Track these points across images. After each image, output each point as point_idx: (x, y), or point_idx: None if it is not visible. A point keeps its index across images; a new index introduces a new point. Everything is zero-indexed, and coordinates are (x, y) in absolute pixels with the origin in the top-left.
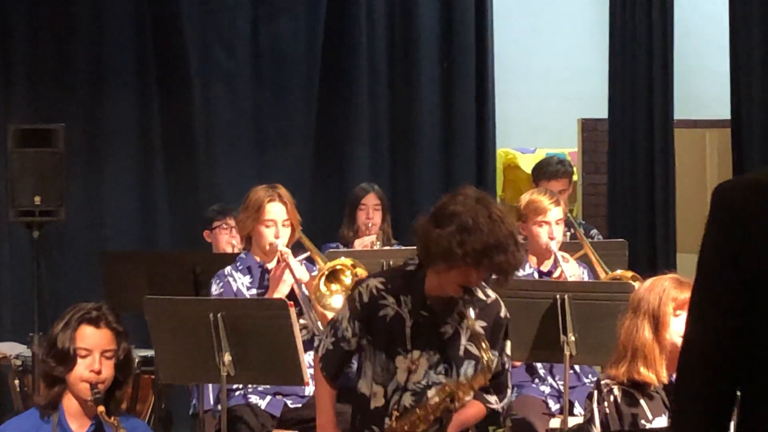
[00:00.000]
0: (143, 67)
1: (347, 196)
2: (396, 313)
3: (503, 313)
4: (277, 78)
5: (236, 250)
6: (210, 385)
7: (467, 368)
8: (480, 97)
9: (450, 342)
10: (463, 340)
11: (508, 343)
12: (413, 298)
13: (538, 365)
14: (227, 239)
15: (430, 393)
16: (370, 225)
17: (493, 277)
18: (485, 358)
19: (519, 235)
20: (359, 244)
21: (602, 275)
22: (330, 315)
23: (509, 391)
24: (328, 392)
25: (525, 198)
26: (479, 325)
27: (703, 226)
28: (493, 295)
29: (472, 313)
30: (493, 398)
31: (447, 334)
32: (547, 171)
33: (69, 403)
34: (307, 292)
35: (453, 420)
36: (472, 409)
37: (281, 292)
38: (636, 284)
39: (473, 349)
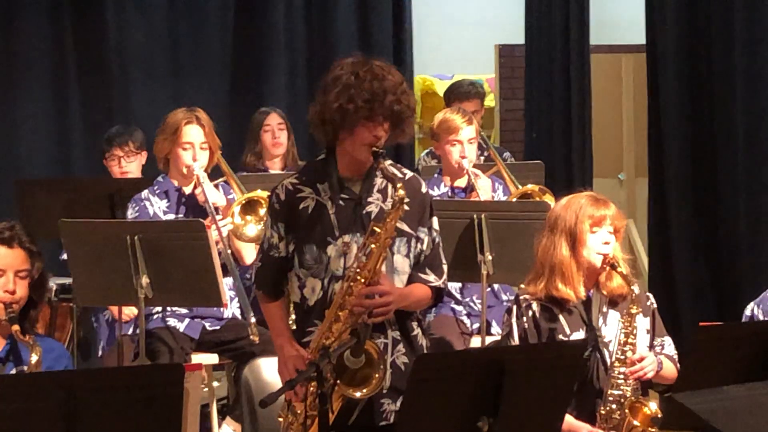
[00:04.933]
0: None
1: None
2: (316, 202)
3: (424, 188)
4: (193, 3)
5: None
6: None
7: (399, 245)
8: (397, 23)
9: (378, 220)
10: None
11: (435, 220)
12: (330, 184)
13: (455, 285)
14: (118, 170)
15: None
16: (279, 141)
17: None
18: (398, 195)
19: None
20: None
21: (513, 190)
22: (244, 246)
23: (445, 267)
24: (273, 309)
25: (438, 117)
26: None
27: (619, 150)
28: (409, 172)
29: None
30: (431, 276)
31: (372, 213)
32: (458, 92)
33: None
34: (219, 216)
35: (397, 293)
36: (414, 288)
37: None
38: (549, 200)
39: (403, 227)
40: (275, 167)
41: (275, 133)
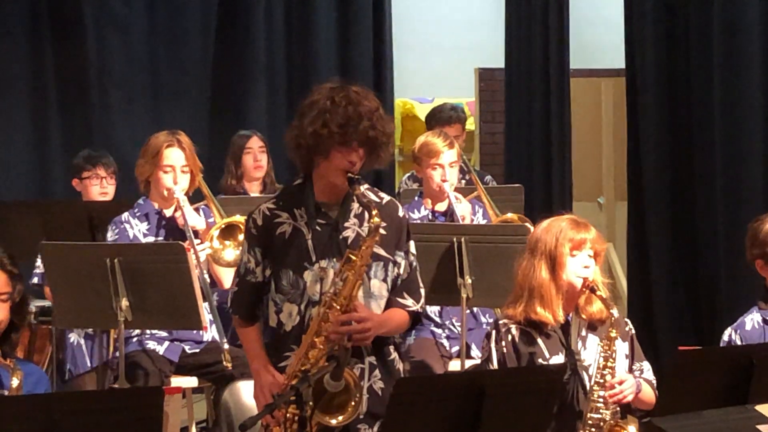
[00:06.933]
0: (36, 15)
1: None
2: (293, 227)
3: (401, 212)
4: (173, 27)
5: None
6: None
7: (376, 270)
8: (377, 47)
9: (354, 246)
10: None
11: (412, 244)
12: (307, 209)
13: (434, 308)
14: (99, 190)
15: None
16: (260, 164)
17: (370, 154)
18: (374, 222)
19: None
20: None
21: (493, 218)
22: (223, 271)
23: (422, 291)
24: (249, 334)
25: (420, 141)
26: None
27: (598, 174)
28: (386, 196)
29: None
30: (409, 301)
31: (349, 238)
32: (440, 117)
33: None
34: (198, 241)
35: (376, 321)
36: (392, 313)
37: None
38: (530, 226)
39: (380, 251)
40: (254, 190)
41: (257, 156)
